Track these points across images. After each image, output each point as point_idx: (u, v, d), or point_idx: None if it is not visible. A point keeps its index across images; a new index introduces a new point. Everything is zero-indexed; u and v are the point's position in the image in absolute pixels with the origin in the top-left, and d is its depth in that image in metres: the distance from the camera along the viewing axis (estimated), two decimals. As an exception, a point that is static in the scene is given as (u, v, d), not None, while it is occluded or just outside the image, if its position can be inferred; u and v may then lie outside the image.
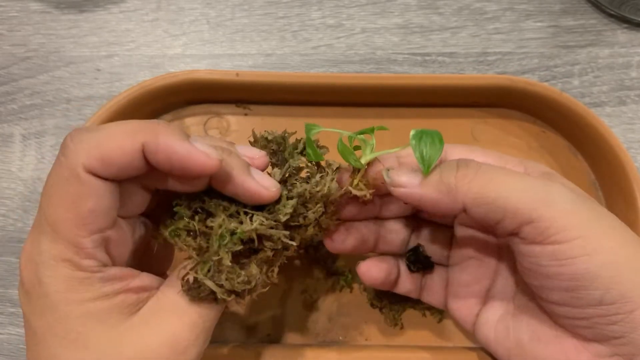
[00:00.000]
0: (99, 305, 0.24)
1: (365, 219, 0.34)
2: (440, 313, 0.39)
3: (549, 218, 0.25)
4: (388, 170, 0.29)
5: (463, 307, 0.33)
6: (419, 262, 0.34)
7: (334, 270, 0.40)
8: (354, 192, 0.29)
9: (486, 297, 0.33)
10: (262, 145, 0.30)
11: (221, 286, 0.26)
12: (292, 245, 0.28)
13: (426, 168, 0.27)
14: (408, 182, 0.28)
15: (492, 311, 0.32)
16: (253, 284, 0.26)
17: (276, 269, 0.28)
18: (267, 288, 0.28)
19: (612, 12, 0.47)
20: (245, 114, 0.44)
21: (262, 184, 0.26)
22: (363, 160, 0.29)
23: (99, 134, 0.24)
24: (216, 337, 0.39)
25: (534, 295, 0.29)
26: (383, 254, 0.35)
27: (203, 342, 0.26)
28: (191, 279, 0.26)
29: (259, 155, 0.28)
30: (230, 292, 0.26)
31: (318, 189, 0.28)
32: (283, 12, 0.48)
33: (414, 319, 0.39)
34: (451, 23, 0.47)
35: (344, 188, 0.30)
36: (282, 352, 0.37)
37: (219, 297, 0.26)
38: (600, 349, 0.27)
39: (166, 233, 0.27)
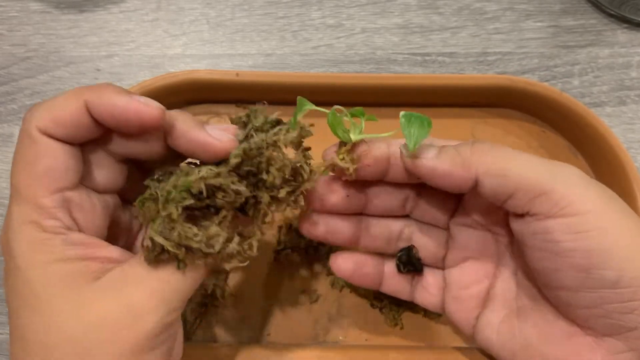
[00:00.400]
0: (60, 268, 0.24)
1: (349, 214, 0.33)
2: (440, 314, 0.39)
3: (562, 191, 0.25)
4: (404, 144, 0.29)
5: (462, 310, 0.33)
6: (410, 264, 0.34)
7: (334, 270, 0.40)
8: (339, 163, 0.29)
9: (486, 299, 0.32)
10: (236, 122, 0.29)
11: (172, 241, 0.25)
12: (244, 193, 0.26)
13: (413, 145, 0.28)
14: (423, 154, 0.28)
15: (494, 313, 0.32)
16: (217, 247, 0.25)
17: (254, 243, 0.27)
18: (246, 263, 0.26)
19: (612, 12, 0.47)
20: (245, 114, 0.44)
21: (214, 135, 0.26)
22: (352, 137, 0.29)
23: (49, 100, 0.25)
24: (216, 337, 0.39)
25: (543, 287, 0.28)
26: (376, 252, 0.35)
27: (166, 312, 0.25)
28: (149, 242, 0.25)
29: (229, 128, 0.28)
30: (181, 246, 0.25)
31: (275, 137, 0.27)
32: (283, 12, 0.48)
33: (414, 319, 0.39)
34: (451, 23, 0.47)
35: (330, 160, 0.29)
36: (282, 352, 0.37)
37: (168, 249, 0.25)
38: (615, 344, 0.26)
39: (135, 205, 0.26)
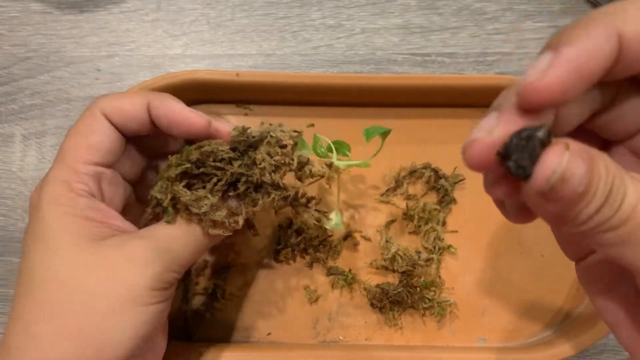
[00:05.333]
0: (77, 222, 0.27)
1: None
2: (440, 314, 0.39)
3: None
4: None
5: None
6: (523, 155, 0.18)
7: (334, 269, 0.40)
8: (316, 171, 0.34)
9: None
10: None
11: (165, 195, 0.29)
12: (234, 163, 0.29)
13: (368, 137, 0.35)
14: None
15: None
16: (204, 209, 0.28)
17: (240, 219, 0.30)
18: (229, 233, 0.30)
19: (612, 13, 0.47)
20: (246, 114, 0.44)
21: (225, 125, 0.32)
22: (335, 162, 0.35)
23: (118, 94, 0.31)
24: (216, 337, 0.39)
25: None
26: None
27: (163, 268, 0.28)
28: (151, 200, 0.30)
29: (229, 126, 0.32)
30: (173, 200, 0.29)
31: (273, 134, 0.31)
32: (283, 13, 0.48)
33: (413, 319, 0.39)
34: (451, 23, 0.48)
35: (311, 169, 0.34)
36: (282, 351, 0.37)
37: (162, 201, 0.29)
38: None
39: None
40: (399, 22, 0.48)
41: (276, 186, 0.30)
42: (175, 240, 0.28)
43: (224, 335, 0.39)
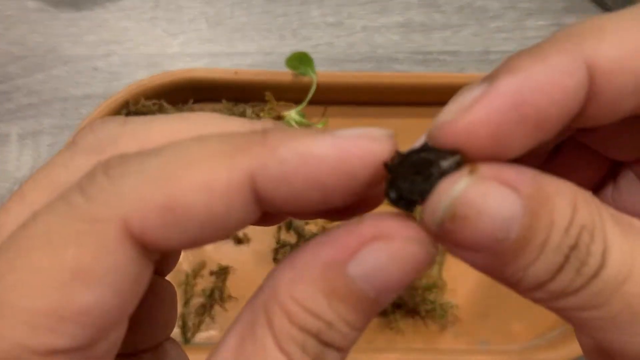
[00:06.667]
0: None
1: None
2: (442, 317, 0.39)
3: None
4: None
5: None
6: (406, 185, 0.13)
7: (334, 271, 0.40)
8: None
9: None
10: None
11: None
12: None
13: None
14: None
15: None
16: None
17: None
18: None
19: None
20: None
21: None
22: None
23: (160, 160, 0.12)
24: (216, 338, 0.38)
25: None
26: None
27: None
28: None
29: None
30: None
31: None
32: (282, 10, 0.47)
33: (415, 321, 0.39)
34: (453, 21, 0.47)
35: None
36: (282, 354, 0.36)
37: None
38: None
39: None
40: (400, 20, 0.47)
41: None
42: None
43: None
